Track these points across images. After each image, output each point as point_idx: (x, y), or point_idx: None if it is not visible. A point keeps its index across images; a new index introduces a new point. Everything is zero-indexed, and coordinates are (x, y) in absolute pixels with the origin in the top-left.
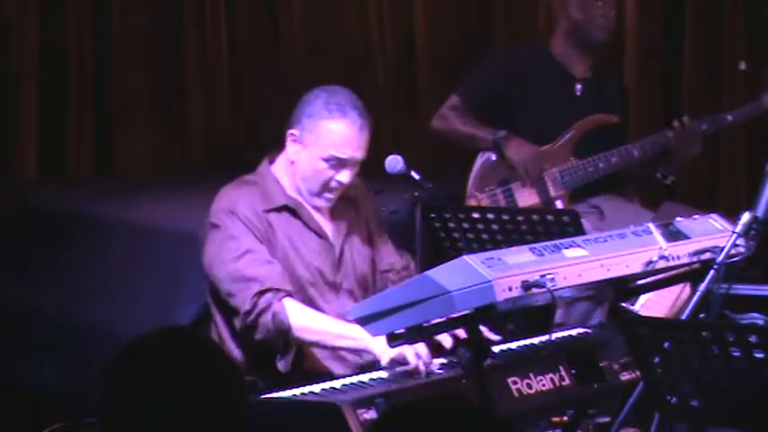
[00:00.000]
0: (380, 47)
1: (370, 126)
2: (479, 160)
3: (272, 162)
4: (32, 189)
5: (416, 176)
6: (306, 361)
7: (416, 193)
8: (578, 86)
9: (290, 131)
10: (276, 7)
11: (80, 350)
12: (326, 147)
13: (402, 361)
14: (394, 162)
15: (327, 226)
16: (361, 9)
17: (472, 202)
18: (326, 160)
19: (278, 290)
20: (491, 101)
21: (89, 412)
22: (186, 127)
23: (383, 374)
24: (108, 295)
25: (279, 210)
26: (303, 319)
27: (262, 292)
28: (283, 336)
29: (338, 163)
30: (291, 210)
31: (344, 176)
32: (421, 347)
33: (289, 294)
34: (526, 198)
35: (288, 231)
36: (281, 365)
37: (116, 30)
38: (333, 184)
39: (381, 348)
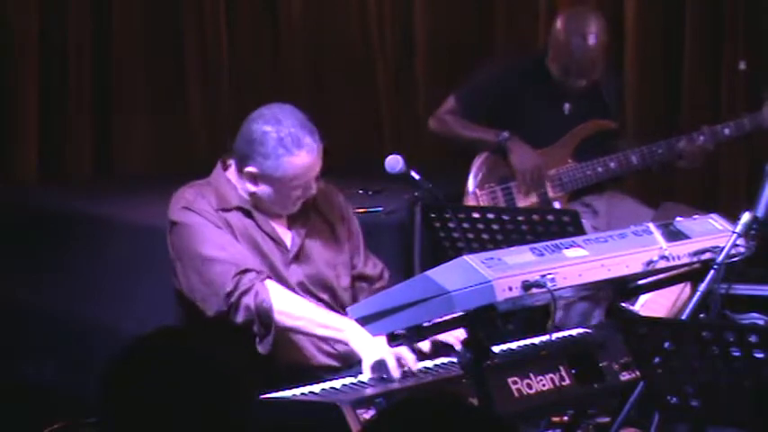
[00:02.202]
0: (380, 47)
1: (319, 136)
2: (479, 159)
3: (225, 168)
4: (32, 189)
5: (416, 176)
6: (289, 354)
7: (416, 193)
8: (567, 105)
9: (246, 170)
10: (276, 7)
11: (80, 350)
12: (292, 179)
13: (383, 365)
14: (394, 162)
15: (281, 229)
16: (361, 9)
17: (471, 200)
18: (293, 187)
19: (259, 271)
20: (486, 110)
21: (89, 412)
22: (186, 127)
23: (385, 375)
24: (108, 295)
25: (232, 209)
26: (286, 303)
27: (243, 272)
28: (264, 318)
29: (304, 184)
30: (245, 210)
31: (312, 190)
32: (407, 353)
33: (269, 276)
34: (525, 198)
35: (242, 230)
36: (262, 348)
37: (116, 30)
38: (300, 198)
39: (363, 348)
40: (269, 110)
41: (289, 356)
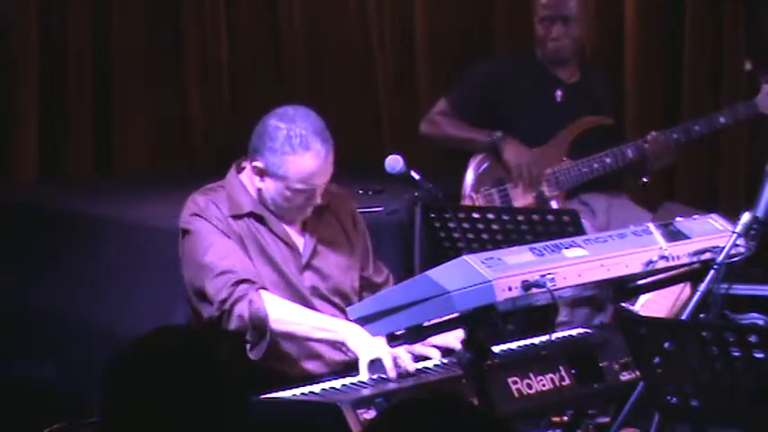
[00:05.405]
0: (380, 47)
1: (333, 146)
2: (474, 161)
3: (239, 170)
4: (32, 189)
5: (416, 176)
6: (280, 362)
7: (416, 193)
8: (558, 92)
9: (254, 164)
10: (276, 7)
11: (80, 350)
12: (295, 181)
13: (379, 364)
14: (394, 162)
15: (294, 234)
16: (361, 9)
17: (467, 203)
18: (296, 191)
19: (254, 281)
20: (478, 105)
21: (89, 412)
22: (186, 127)
23: (382, 374)
24: (107, 295)
25: (245, 216)
26: (280, 310)
27: (238, 282)
28: (259, 326)
29: (308, 191)
30: (257, 216)
31: (316, 200)
32: (403, 353)
33: (264, 287)
34: (521, 198)
35: (255, 236)
36: (254, 354)
37: (116, 30)
38: (304, 206)
39: (360, 347)
40: (288, 109)
41: (273, 363)
